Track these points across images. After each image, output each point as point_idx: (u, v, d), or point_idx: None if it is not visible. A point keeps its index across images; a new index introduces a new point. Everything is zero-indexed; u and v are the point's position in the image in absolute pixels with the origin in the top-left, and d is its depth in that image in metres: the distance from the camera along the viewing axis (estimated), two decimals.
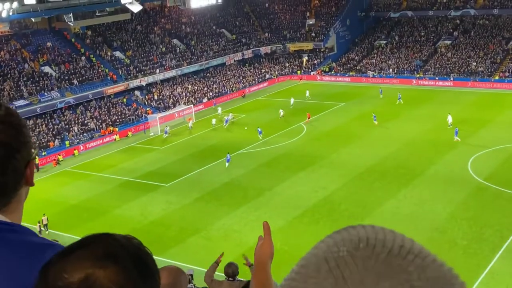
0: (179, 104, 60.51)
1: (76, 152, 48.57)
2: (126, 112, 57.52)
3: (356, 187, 34.43)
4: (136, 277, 1.19)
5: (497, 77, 62.18)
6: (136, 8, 61.45)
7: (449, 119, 44.73)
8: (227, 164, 40.76)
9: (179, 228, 31.33)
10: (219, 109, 57.82)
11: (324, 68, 73.86)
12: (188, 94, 64.33)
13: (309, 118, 51.25)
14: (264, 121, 52.22)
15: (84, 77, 58.69)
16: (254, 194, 35.01)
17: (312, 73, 73.79)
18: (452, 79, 63.80)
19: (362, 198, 32.66)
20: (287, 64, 76.38)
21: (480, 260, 24.60)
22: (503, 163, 36.64)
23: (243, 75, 72.41)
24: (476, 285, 22.77)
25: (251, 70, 74.31)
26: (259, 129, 46.96)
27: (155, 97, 62.48)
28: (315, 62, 76.20)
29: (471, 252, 25.38)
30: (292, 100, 57.99)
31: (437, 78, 64.71)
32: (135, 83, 61.37)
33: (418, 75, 66.53)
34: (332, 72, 72.80)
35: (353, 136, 45.34)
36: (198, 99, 63.65)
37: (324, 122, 50.71)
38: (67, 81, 56.92)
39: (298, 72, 74.37)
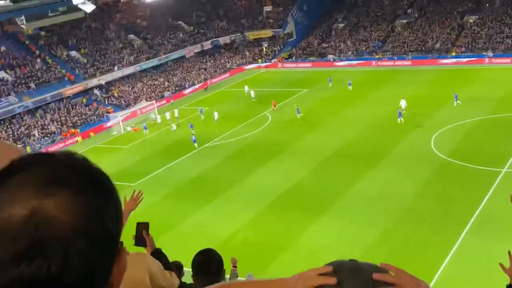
0: (140, 101, 59.90)
1: None
2: (87, 112, 56.70)
3: (324, 173, 34.68)
4: (95, 200, 0.96)
5: (453, 53, 63.41)
6: (89, 8, 60.39)
7: (402, 103, 44.86)
8: (195, 144, 42.42)
9: (150, 226, 31.03)
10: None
11: (285, 55, 74.02)
12: (149, 89, 63.70)
13: (274, 106, 51.40)
14: (228, 112, 52.12)
15: (41, 80, 57.53)
16: (224, 187, 34.94)
17: (273, 60, 73.86)
18: (410, 58, 64.76)
19: (330, 183, 32.92)
20: (247, 53, 76.28)
21: (449, 236, 25.21)
22: (464, 138, 37.47)
23: (203, 66, 72.05)
24: (447, 262, 23.35)
25: (211, 61, 73.98)
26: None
27: (116, 94, 61.70)
28: (275, 49, 76.28)
29: (439, 229, 25.98)
30: (252, 93, 57.98)
31: (396, 58, 65.60)
32: (93, 82, 60.49)
33: (377, 56, 67.29)
34: (293, 59, 73.04)
35: (318, 122, 45.65)
36: (159, 94, 63.10)
37: (288, 110, 50.87)
38: (24, 85, 55.74)
39: (259, 60, 74.38)
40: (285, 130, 45.04)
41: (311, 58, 71.67)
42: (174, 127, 49.82)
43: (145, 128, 49.73)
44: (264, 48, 76.62)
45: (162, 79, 66.75)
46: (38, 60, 60.04)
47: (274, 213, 30.21)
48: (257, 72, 71.15)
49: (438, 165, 33.58)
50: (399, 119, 42.40)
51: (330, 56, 70.36)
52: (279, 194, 32.54)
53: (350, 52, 69.87)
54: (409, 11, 73.49)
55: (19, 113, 53.20)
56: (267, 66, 72.64)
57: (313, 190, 32.37)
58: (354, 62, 67.10)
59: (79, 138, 51.71)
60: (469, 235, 25.22)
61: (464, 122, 40.84)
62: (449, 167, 33.13)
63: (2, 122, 51.54)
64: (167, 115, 53.59)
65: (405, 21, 72.20)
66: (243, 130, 46.90)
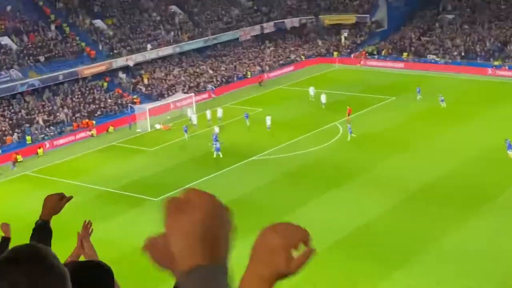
0: (176, 92, 60.51)
1: (40, 151, 48.84)
2: (107, 100, 57.73)
3: (406, 213, 34.13)
4: None
5: None
6: None
7: None
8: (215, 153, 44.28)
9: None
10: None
11: (370, 49, 73.43)
12: (188, 78, 64.33)
13: (349, 114, 50.98)
14: (286, 118, 51.91)
15: (53, 53, 58.97)
16: (269, 217, 34.72)
17: (353, 55, 73.38)
18: None
19: (413, 228, 32.30)
20: (320, 42, 76.06)
21: None
22: None
23: (261, 55, 72.23)
24: None
25: (272, 49, 74.12)
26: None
27: (145, 81, 62.57)
28: (358, 40, 75.76)
29: None
30: (311, 91, 57.82)
31: None
32: (119, 62, 61.58)
33: (495, 63, 65.80)
34: (381, 55, 72.36)
35: (406, 143, 44.99)
36: (201, 85, 63.58)
37: (366, 122, 50.26)
38: (31, 57, 57.25)
39: (335, 53, 74.08)
40: (361, 149, 44.44)
41: (404, 57, 70.81)
42: (216, 130, 50.07)
43: (185, 131, 49.72)
44: (343, 38, 76.23)
45: (206, 67, 67.32)
46: (53, 27, 61.63)
47: (334, 260, 29.78)
48: (330, 68, 70.81)
49: None
50: (509, 151, 41.33)
51: (431, 57, 69.25)
52: (343, 235, 32.13)
53: (457, 54, 68.61)
54: None
55: (22, 93, 54.65)
56: (344, 62, 72.20)
57: (390, 236, 31.81)
58: (462, 67, 65.83)
59: (93, 132, 52.70)
60: None
61: None
62: None
63: None
64: (208, 113, 53.89)
65: None
66: (304, 143, 46.60)
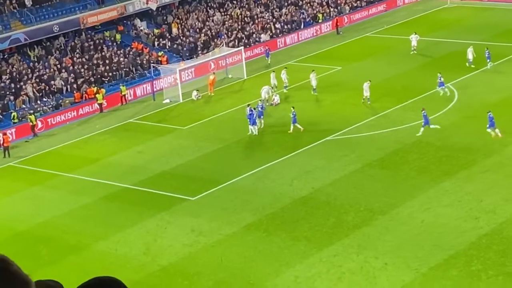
0: (219, 45, 60.58)
1: (30, 131, 49.58)
2: (121, 59, 58.12)
3: None
4: None
5: None
6: None
7: None
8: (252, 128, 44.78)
9: (215, 282, 31.75)
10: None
11: None
12: (234, 26, 64.42)
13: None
14: (376, 80, 51.81)
15: None
16: (354, 220, 35.03)
17: None
18: None
19: None
20: None
21: None
22: None
23: None
24: None
25: None
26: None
27: (174, 31, 62.88)
28: None
29: None
30: (414, 40, 57.66)
31: None
32: (137, 5, 61.79)
33: None
34: None
35: None
36: (253, 35, 63.63)
37: (490, 83, 50.15)
38: (13, 0, 57.58)
39: None
40: (486, 120, 44.31)
41: None
42: (276, 99, 50.18)
43: (259, 112, 49.04)
44: None
45: (260, 8, 67.30)
46: None
47: (449, 278, 29.96)
48: (440, 6, 70.15)
49: None
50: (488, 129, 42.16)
51: None
52: (462, 244, 32.33)
53: None
54: None
55: (1, 51, 55.23)
56: None
57: None
58: None
59: (102, 102, 52.89)
60: None
61: None
62: None
63: None
64: (272, 77, 53.32)
65: None
66: (402, 114, 46.61)
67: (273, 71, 54.02)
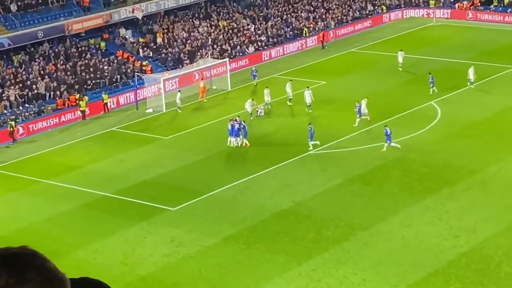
0: (204, 56, 60.65)
1: (11, 138, 49.39)
2: (105, 67, 58.06)
3: None
4: None
5: None
6: None
7: None
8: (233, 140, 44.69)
9: None
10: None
11: None
12: (220, 37, 64.46)
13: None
14: (363, 94, 51.86)
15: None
16: (334, 235, 35.24)
17: (457, 5, 72.84)
18: None
19: None
20: None
21: None
22: None
23: (326, 5, 72.06)
24: None
25: None
26: None
27: (159, 41, 62.87)
28: None
29: None
30: (400, 57, 57.73)
31: None
32: (122, 13, 61.79)
33: None
34: (496, 5, 71.73)
35: None
36: (239, 47, 63.68)
37: (474, 101, 50.33)
38: (0, 6, 57.48)
39: (432, 2, 73.68)
40: (468, 139, 44.59)
41: None
42: (260, 110, 50.19)
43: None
44: None
45: (246, 20, 67.38)
46: None
47: None
48: (426, 24, 70.46)
49: None
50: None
51: None
52: (442, 262, 32.49)
53: None
54: None
55: None
56: (445, 15, 71.80)
57: (508, 261, 32.22)
58: None
59: (85, 110, 52.68)
60: None
61: None
62: None
63: None
64: (266, 93, 52.50)
65: None
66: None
67: (267, 87, 53.28)
